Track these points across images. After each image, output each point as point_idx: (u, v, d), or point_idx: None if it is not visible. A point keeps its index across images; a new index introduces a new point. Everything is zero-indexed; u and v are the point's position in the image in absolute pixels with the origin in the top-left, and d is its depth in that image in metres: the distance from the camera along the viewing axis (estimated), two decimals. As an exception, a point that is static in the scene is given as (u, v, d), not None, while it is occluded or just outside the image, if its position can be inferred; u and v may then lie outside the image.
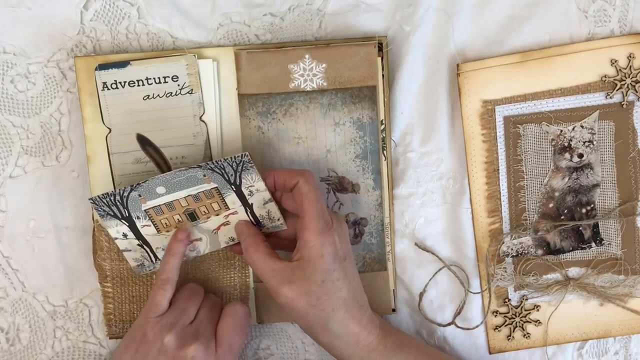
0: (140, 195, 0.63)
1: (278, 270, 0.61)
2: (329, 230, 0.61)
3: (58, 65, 0.69)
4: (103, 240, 0.68)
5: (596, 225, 0.71)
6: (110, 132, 0.67)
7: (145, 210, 0.64)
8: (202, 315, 0.65)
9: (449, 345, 0.73)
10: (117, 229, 0.64)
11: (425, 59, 0.70)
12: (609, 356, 0.74)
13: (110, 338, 0.71)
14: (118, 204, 0.63)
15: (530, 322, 0.72)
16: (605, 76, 0.69)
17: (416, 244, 0.72)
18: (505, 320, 0.72)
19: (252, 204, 0.65)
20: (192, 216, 0.65)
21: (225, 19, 0.69)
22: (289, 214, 0.66)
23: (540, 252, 0.72)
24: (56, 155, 0.70)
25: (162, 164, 0.68)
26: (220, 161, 0.61)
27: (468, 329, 0.72)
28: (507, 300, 0.72)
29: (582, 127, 0.70)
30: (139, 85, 0.67)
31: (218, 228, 0.66)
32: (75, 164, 0.70)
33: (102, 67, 0.66)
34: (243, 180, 0.63)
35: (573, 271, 0.72)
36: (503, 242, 0.71)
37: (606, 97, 0.70)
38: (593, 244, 0.72)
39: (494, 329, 0.72)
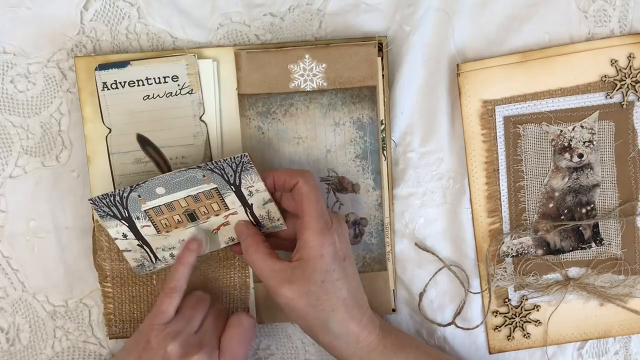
0: (140, 196, 0.63)
1: (278, 271, 0.61)
2: (329, 231, 0.61)
3: (58, 65, 0.69)
4: (103, 240, 0.68)
5: (596, 225, 0.71)
6: (110, 132, 0.67)
7: (145, 210, 0.64)
8: (207, 325, 0.65)
9: (449, 345, 0.73)
10: (117, 229, 0.64)
11: (425, 59, 0.70)
12: (609, 356, 0.74)
13: (110, 338, 0.71)
14: (118, 204, 0.63)
15: (530, 322, 0.72)
16: (605, 76, 0.69)
17: (416, 244, 0.72)
18: (505, 320, 0.72)
19: (251, 204, 0.65)
20: (192, 216, 0.65)
21: (225, 19, 0.69)
22: (288, 214, 0.66)
23: (540, 252, 0.72)
24: (56, 155, 0.70)
25: (162, 164, 0.68)
26: (220, 162, 0.61)
27: (468, 329, 0.72)
28: (507, 300, 0.72)
29: (582, 127, 0.70)
30: (139, 85, 0.67)
31: (218, 228, 0.66)
32: (75, 164, 0.70)
33: (102, 67, 0.66)
34: (243, 181, 0.63)
35: (573, 271, 0.72)
36: (503, 242, 0.71)
37: (606, 97, 0.70)
38: (593, 244, 0.72)
39: (494, 329, 0.72)
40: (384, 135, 0.69)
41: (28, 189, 0.70)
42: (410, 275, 0.72)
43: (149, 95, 0.67)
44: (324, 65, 0.67)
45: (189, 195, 0.64)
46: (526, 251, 0.72)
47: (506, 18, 0.70)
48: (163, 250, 0.66)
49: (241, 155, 0.61)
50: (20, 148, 0.69)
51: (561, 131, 0.70)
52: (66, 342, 0.72)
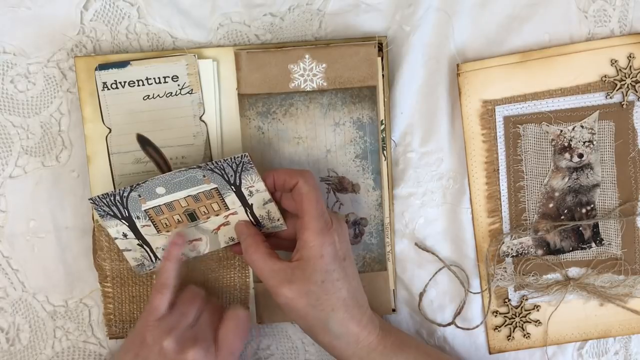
0: (140, 196, 0.63)
1: (278, 271, 0.61)
2: (329, 231, 0.61)
3: (58, 65, 0.69)
4: (103, 240, 0.68)
5: (596, 225, 0.71)
6: (110, 132, 0.67)
7: (145, 210, 0.64)
8: (203, 319, 0.64)
9: (449, 345, 0.73)
10: (117, 229, 0.64)
11: (425, 59, 0.70)
12: (609, 356, 0.74)
13: (110, 338, 0.71)
14: (118, 204, 0.63)
15: (530, 322, 0.72)
16: (605, 76, 0.69)
17: (416, 244, 0.72)
18: (505, 320, 0.72)
19: (252, 204, 0.65)
20: (192, 216, 0.65)
21: (225, 19, 0.69)
22: (288, 214, 0.66)
23: (540, 252, 0.72)
24: (56, 155, 0.70)
25: (162, 164, 0.68)
26: (220, 162, 0.61)
27: (468, 329, 0.72)
28: (507, 300, 0.72)
29: (582, 127, 0.70)
30: (139, 85, 0.67)
31: (218, 228, 0.66)
32: (75, 164, 0.70)
33: (102, 67, 0.66)
34: (243, 181, 0.63)
35: (573, 271, 0.72)
36: (503, 242, 0.71)
37: (606, 97, 0.70)
38: (593, 244, 0.72)
39: (494, 329, 0.72)
40: (384, 135, 0.69)
41: (28, 189, 0.70)
42: (410, 275, 0.72)
43: (149, 95, 0.67)
44: (324, 65, 0.67)
45: (189, 195, 0.64)
46: (526, 251, 0.72)
47: (506, 18, 0.70)
48: (163, 249, 0.66)
49: (241, 156, 0.61)
50: (20, 148, 0.69)
51: (561, 131, 0.70)
52: (66, 342, 0.72)
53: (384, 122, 0.69)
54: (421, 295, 0.72)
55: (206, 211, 0.65)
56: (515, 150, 0.70)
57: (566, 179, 0.71)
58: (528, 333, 0.73)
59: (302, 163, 0.69)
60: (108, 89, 0.66)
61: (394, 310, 0.72)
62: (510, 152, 0.70)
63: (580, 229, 0.71)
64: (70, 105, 0.69)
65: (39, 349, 0.72)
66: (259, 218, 0.66)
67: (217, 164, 0.62)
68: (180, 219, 0.65)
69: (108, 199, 0.62)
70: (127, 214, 0.64)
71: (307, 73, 0.67)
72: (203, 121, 0.68)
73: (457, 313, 0.72)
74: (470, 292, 0.72)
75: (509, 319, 0.72)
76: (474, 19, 0.70)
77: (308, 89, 0.68)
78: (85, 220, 0.70)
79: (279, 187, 0.64)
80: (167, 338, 0.61)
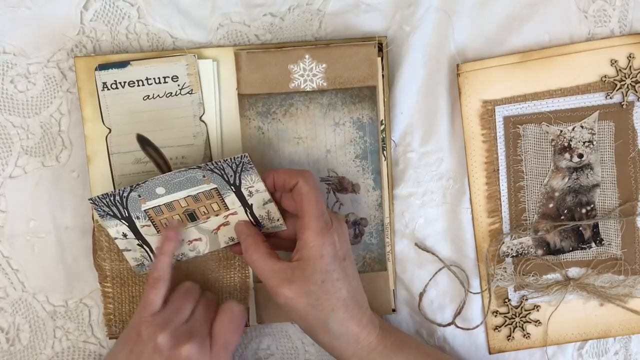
0: (140, 196, 0.63)
1: (278, 271, 0.61)
2: (329, 231, 0.61)
3: (58, 66, 0.69)
4: (103, 240, 0.68)
5: (596, 226, 0.71)
6: (110, 132, 0.67)
7: (144, 210, 0.64)
8: (198, 314, 0.64)
9: (449, 345, 0.73)
10: (116, 229, 0.64)
11: (425, 59, 0.70)
12: (609, 356, 0.74)
13: (110, 338, 0.71)
14: (118, 204, 0.63)
15: (530, 322, 0.72)
16: (605, 76, 0.69)
17: (416, 244, 0.72)
18: (505, 321, 0.72)
19: (251, 204, 0.65)
20: (192, 216, 0.65)
21: (225, 19, 0.69)
22: (288, 214, 0.66)
23: (540, 252, 0.72)
24: (56, 155, 0.70)
25: (162, 164, 0.68)
26: (220, 162, 0.62)
27: (468, 329, 0.72)
28: (507, 300, 0.72)
29: (582, 127, 0.70)
30: (139, 86, 0.67)
31: (218, 228, 0.66)
32: (75, 164, 0.70)
33: (102, 67, 0.66)
34: (243, 181, 0.63)
35: (573, 271, 0.72)
36: (503, 242, 0.71)
37: (606, 97, 0.70)
38: (593, 244, 0.72)
39: (494, 329, 0.72)
40: (384, 135, 0.69)
41: (28, 189, 0.70)
42: (410, 275, 0.72)
43: (149, 96, 0.67)
44: (324, 65, 0.67)
45: (189, 195, 0.64)
46: (526, 251, 0.72)
47: (506, 18, 0.70)
48: (163, 250, 0.66)
49: (241, 156, 0.61)
50: (20, 148, 0.69)
51: (561, 131, 0.70)
52: (66, 342, 0.72)
53: (384, 122, 0.69)
54: (421, 295, 0.72)
55: (206, 211, 0.65)
56: (515, 150, 0.70)
57: (566, 179, 0.71)
58: (528, 333, 0.73)
59: (302, 163, 0.69)
60: (108, 89, 0.66)
61: (394, 310, 0.72)
62: (510, 152, 0.70)
63: (580, 229, 0.71)
64: (70, 106, 0.69)
65: (39, 349, 0.72)
66: (258, 218, 0.66)
67: (217, 164, 0.62)
68: (180, 219, 0.65)
69: (108, 199, 0.62)
70: (127, 214, 0.64)
71: (307, 73, 0.67)
72: (203, 121, 0.68)
73: (457, 313, 0.72)
74: (470, 292, 0.72)
75: (509, 319, 0.72)
76: (474, 19, 0.70)
77: (308, 89, 0.68)
78: (85, 220, 0.70)
79: (278, 187, 0.64)
80: (161, 333, 0.61)
